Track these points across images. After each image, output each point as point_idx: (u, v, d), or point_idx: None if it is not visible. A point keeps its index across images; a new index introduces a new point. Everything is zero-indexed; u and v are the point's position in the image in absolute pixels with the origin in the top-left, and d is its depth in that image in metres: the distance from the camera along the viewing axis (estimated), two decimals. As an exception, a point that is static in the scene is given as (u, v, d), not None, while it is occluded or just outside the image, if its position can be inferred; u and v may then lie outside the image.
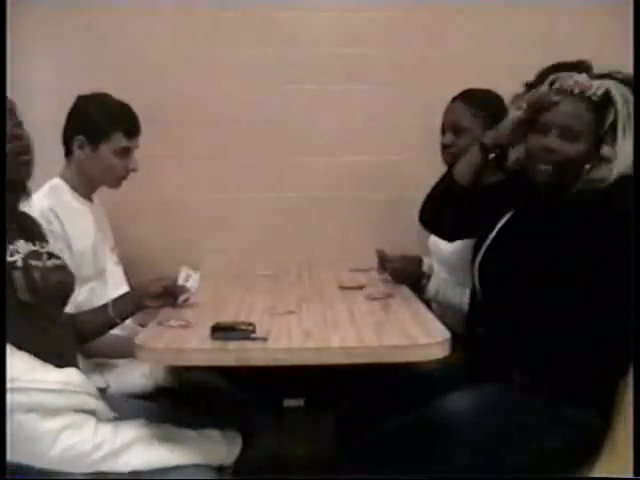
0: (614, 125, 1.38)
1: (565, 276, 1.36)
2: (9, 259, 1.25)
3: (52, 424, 1.17)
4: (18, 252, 1.28)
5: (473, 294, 1.58)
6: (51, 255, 1.39)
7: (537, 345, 1.38)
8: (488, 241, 1.53)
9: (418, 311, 1.50)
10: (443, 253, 1.90)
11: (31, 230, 1.42)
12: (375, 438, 1.44)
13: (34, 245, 1.35)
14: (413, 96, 2.25)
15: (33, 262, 1.30)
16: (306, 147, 2.31)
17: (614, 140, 1.39)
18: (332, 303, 1.58)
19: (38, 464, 1.18)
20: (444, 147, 1.88)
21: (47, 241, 1.44)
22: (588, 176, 1.40)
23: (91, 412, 1.23)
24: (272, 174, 2.32)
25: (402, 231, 2.29)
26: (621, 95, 1.39)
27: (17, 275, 1.25)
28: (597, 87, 1.39)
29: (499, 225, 1.53)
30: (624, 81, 1.42)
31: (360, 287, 1.74)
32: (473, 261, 1.56)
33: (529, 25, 2.21)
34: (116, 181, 1.87)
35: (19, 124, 1.30)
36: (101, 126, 1.77)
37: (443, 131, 1.90)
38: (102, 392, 1.45)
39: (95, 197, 1.91)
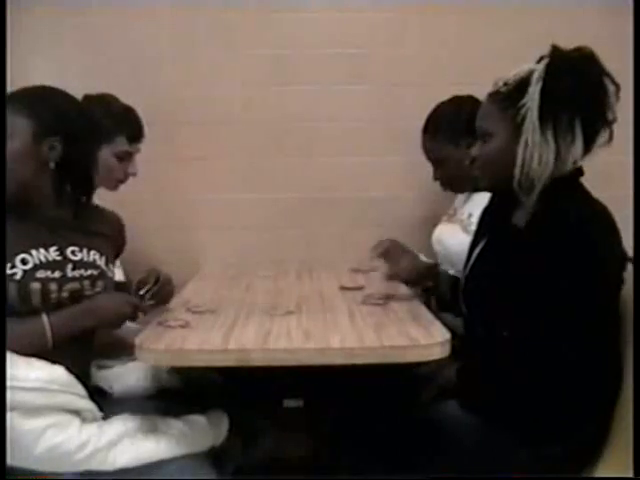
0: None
1: (540, 297, 1.27)
2: (8, 271, 1.27)
3: (35, 423, 1.16)
4: (25, 263, 1.29)
5: None
6: (83, 265, 1.39)
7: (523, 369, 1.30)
8: (467, 270, 1.51)
9: (418, 311, 1.50)
10: (448, 251, 1.90)
11: (90, 233, 1.43)
12: (373, 439, 1.44)
13: (61, 253, 1.35)
14: (413, 96, 2.25)
15: (41, 274, 1.31)
16: (306, 147, 2.31)
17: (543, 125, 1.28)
18: (332, 304, 1.58)
19: (22, 464, 1.17)
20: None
21: (94, 247, 1.43)
22: (527, 173, 1.30)
23: (77, 412, 1.22)
24: (272, 174, 2.32)
25: (402, 231, 2.29)
26: (542, 70, 1.28)
27: (11, 287, 1.27)
28: (512, 76, 1.33)
29: (476, 252, 1.50)
30: (565, 56, 1.30)
31: (360, 288, 1.74)
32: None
33: (529, 25, 2.21)
34: (114, 184, 1.88)
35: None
36: (104, 128, 1.77)
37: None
38: (106, 395, 1.45)
39: (95, 198, 1.90)
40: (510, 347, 1.31)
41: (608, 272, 1.26)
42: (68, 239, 1.39)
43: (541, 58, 1.32)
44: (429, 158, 1.96)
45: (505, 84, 1.34)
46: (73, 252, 1.38)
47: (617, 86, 1.30)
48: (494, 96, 1.36)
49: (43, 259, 1.33)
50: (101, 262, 1.43)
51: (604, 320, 1.28)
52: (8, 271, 1.28)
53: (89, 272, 1.39)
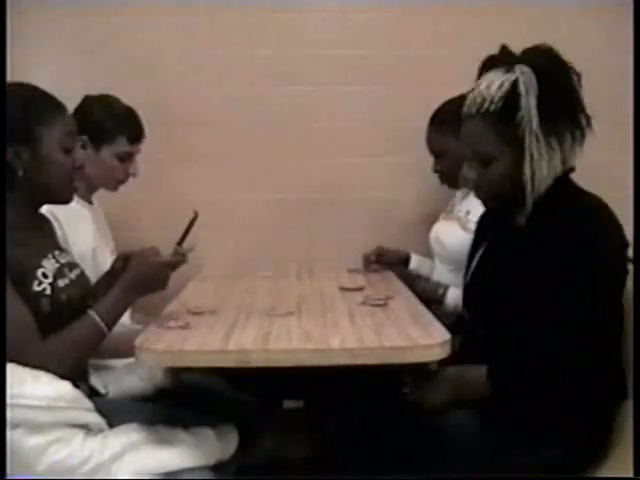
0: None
1: (539, 298, 1.27)
2: (36, 289, 1.26)
3: (39, 440, 1.14)
4: (46, 277, 1.29)
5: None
6: (72, 265, 1.40)
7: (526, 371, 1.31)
8: (469, 274, 1.51)
9: (418, 312, 1.50)
10: (446, 249, 1.90)
11: (52, 237, 1.45)
12: (374, 439, 1.44)
13: (57, 260, 1.35)
14: (413, 96, 2.25)
15: (60, 283, 1.31)
16: (306, 147, 2.31)
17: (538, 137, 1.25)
18: (332, 304, 1.58)
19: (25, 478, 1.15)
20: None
21: (62, 247, 1.44)
22: (537, 184, 1.28)
23: (81, 426, 1.21)
24: (272, 174, 2.32)
25: (402, 231, 2.29)
26: (527, 82, 1.24)
27: (44, 302, 1.27)
28: (494, 92, 1.27)
29: (477, 257, 1.49)
30: (536, 57, 1.28)
31: (360, 288, 1.74)
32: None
33: (529, 25, 2.20)
34: (114, 184, 1.89)
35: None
36: (106, 129, 1.78)
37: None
38: (101, 397, 1.45)
39: (94, 198, 1.91)
40: (511, 349, 1.31)
41: (607, 267, 1.25)
42: (51, 244, 1.40)
43: (502, 62, 1.31)
44: (431, 150, 1.97)
45: (492, 102, 1.27)
46: (60, 256, 1.38)
47: (577, 74, 1.30)
48: (481, 117, 1.29)
49: (52, 268, 1.32)
50: (73, 258, 1.45)
51: (606, 318, 1.27)
52: (37, 288, 1.26)
53: (79, 270, 1.42)
